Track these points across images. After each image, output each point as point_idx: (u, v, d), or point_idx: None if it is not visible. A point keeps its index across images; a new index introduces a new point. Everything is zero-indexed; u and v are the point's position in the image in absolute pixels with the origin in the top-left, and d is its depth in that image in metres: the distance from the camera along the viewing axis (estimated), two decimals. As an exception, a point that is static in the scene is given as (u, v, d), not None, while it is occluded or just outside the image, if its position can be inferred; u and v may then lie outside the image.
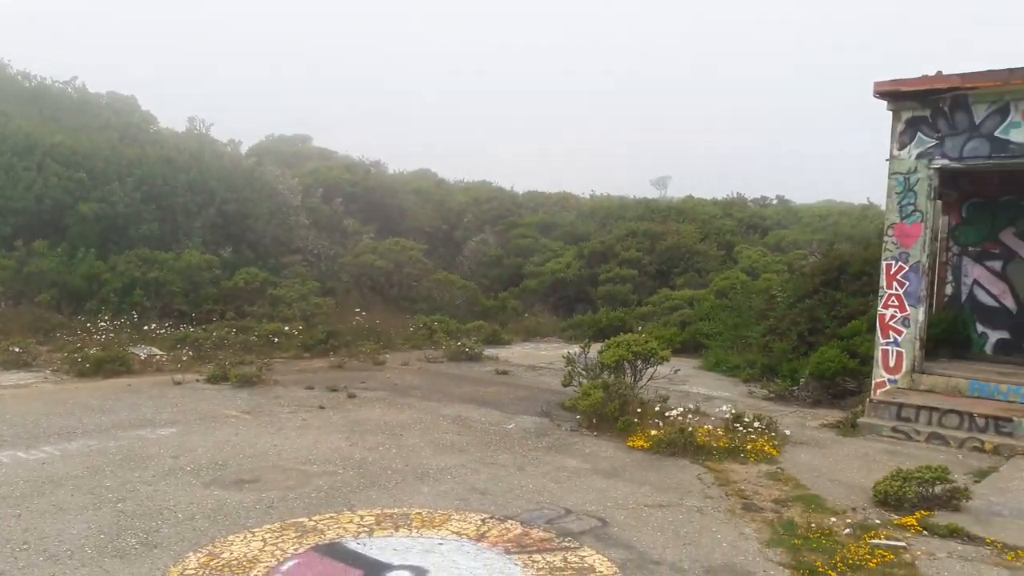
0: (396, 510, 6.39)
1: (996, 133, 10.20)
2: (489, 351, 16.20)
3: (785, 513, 6.61)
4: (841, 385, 12.12)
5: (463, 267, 24.17)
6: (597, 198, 37.00)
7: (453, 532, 5.92)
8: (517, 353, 16.74)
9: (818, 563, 5.45)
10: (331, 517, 6.19)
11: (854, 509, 6.75)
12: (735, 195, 36.82)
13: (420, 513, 6.32)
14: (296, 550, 5.52)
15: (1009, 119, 10.10)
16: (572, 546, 5.69)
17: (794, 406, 11.76)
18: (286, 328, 15.63)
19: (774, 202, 36.16)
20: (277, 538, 5.74)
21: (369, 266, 20.11)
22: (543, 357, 15.89)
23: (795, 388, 12.34)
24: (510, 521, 6.18)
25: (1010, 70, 9.86)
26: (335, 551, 5.53)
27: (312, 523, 6.06)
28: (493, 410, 10.59)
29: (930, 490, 6.78)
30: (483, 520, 6.19)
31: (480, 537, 5.82)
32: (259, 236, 20.09)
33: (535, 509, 6.49)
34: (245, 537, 5.75)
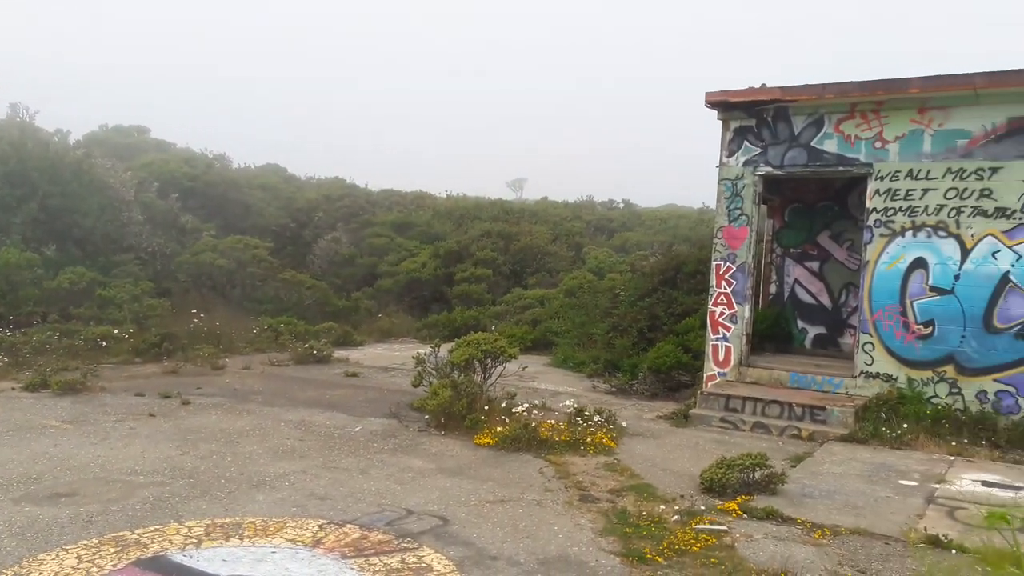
0: (228, 520, 6.12)
1: (812, 143, 11.10)
2: (340, 353, 15.86)
3: (619, 503, 6.88)
4: (676, 378, 12.79)
5: (313, 266, 23.52)
6: (453, 198, 37.10)
7: (288, 540, 5.74)
8: (369, 355, 16.49)
9: (646, 550, 5.71)
10: (156, 530, 5.84)
11: (683, 496, 7.14)
12: (585, 198, 38.08)
13: (253, 522, 6.08)
14: (115, 566, 5.17)
15: (824, 131, 11.02)
16: (411, 546, 5.66)
17: (634, 399, 12.28)
18: (115, 331, 14.62)
19: (621, 205, 37.66)
20: (94, 554, 5.35)
21: (209, 265, 19.16)
22: (396, 358, 15.74)
23: (635, 382, 12.89)
24: (349, 525, 6.07)
25: (824, 85, 10.76)
26: (158, 565, 5.22)
27: (135, 536, 5.69)
28: (339, 413, 10.37)
29: (751, 476, 7.26)
30: (320, 526, 6.04)
31: (316, 543, 5.67)
32: (87, 233, 18.67)
33: (376, 512, 6.41)
34: (58, 555, 5.33)
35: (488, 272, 23.14)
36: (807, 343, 14.43)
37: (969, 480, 8.02)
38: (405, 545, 5.69)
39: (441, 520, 6.24)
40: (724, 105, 11.51)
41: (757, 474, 7.25)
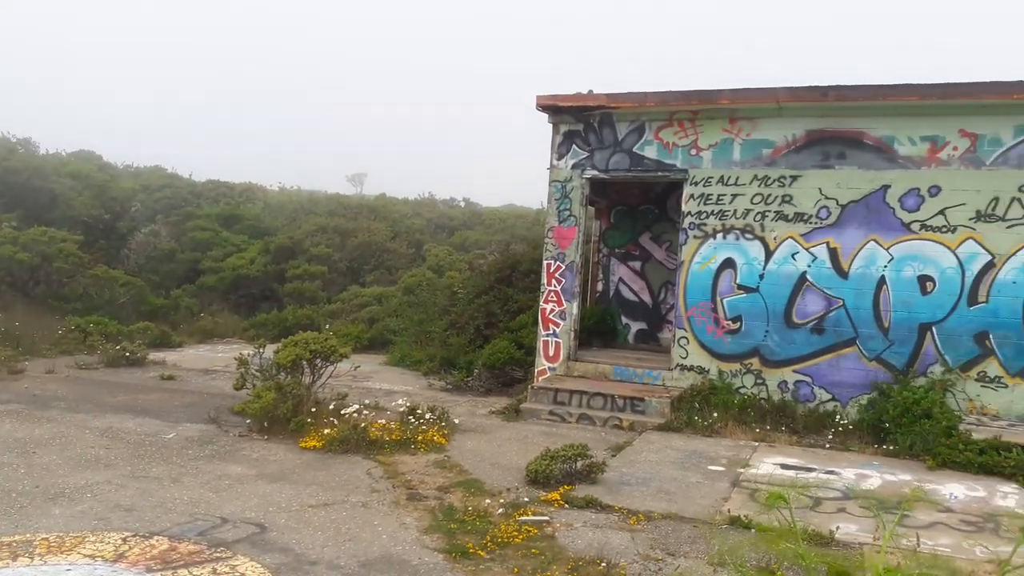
0: (17, 537, 5.59)
1: (634, 149, 11.68)
2: (156, 355, 14.89)
3: (447, 499, 6.93)
4: (510, 374, 13.06)
5: (129, 262, 21.90)
6: (287, 191, 35.89)
7: (86, 556, 5.32)
8: (189, 356, 15.60)
9: (470, 544, 5.78)
10: (-74, 556, 5.23)
11: (509, 490, 7.29)
12: (426, 195, 38.00)
13: (47, 538, 5.59)
14: None
15: (644, 137, 11.62)
16: (224, 556, 5.41)
17: (469, 396, 12.42)
18: None
19: (462, 204, 37.89)
20: None
21: (8, 259, 17.38)
22: (219, 360, 14.99)
23: (470, 379, 13.03)
24: (157, 537, 5.71)
25: (644, 93, 11.35)
26: (-74, 596, 4.69)
27: (-102, 566, 5.07)
28: (152, 419, 9.74)
29: (573, 466, 7.54)
30: (124, 539, 5.64)
31: (119, 557, 5.30)
32: None
33: (187, 522, 6.08)
34: None
35: (323, 269, 22.55)
36: (630, 338, 15.18)
37: (770, 464, 8.72)
38: (218, 555, 5.43)
39: (258, 527, 6.01)
40: (554, 109, 11.88)
41: (579, 464, 7.54)
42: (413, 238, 27.10)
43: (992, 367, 10.01)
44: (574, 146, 11.96)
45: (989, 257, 10.01)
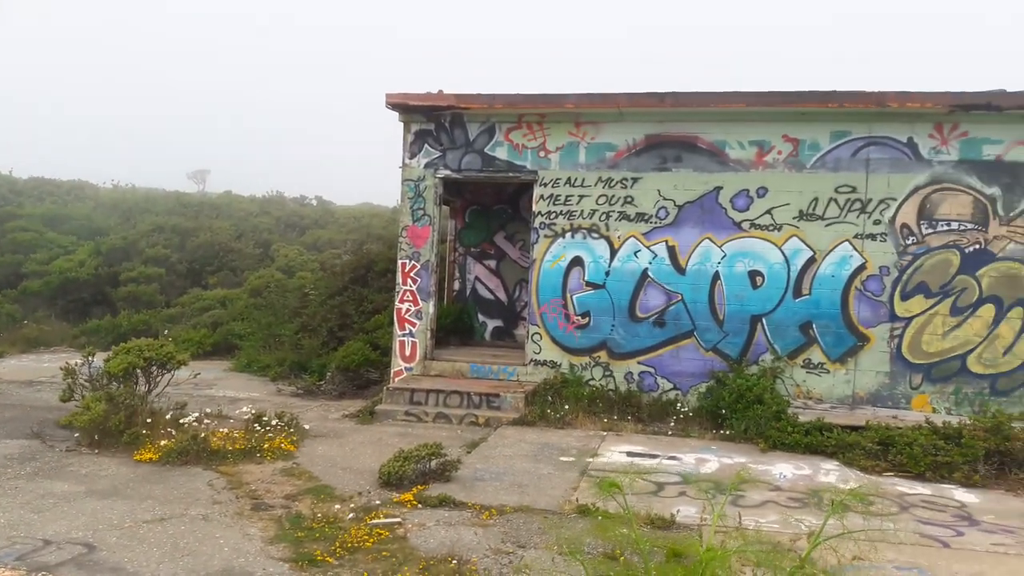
0: None
1: (486, 150, 11.83)
2: (-30, 367, 13.59)
3: (295, 507, 6.75)
4: (365, 376, 12.89)
5: (-63, 267, 19.87)
6: (120, 189, 33.66)
7: None
8: (11, 368, 14.34)
9: (318, 552, 5.66)
10: None
11: (360, 494, 7.20)
12: (275, 193, 36.75)
13: None
14: None
15: (495, 138, 11.80)
16: (46, 582, 5.03)
17: (321, 400, 12.14)
18: None
19: (313, 202, 36.94)
20: None
21: None
22: (45, 370, 13.86)
23: (323, 383, 12.74)
24: (-34, 567, 5.22)
25: (493, 95, 11.51)
26: None
27: None
28: (-36, 437, 8.88)
29: (427, 466, 7.55)
30: (-74, 573, 5.12)
31: (-81, 594, 4.81)
32: None
33: (4, 546, 5.59)
34: None
35: (161, 271, 21.32)
36: (487, 335, 15.37)
37: (617, 452, 9.09)
38: (39, 581, 5.04)
39: (86, 547, 5.62)
40: (405, 108, 11.83)
41: (433, 463, 7.56)
42: (260, 238, 26.16)
43: (816, 354, 10.90)
44: (426, 145, 11.96)
45: (811, 253, 10.90)
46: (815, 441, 9.28)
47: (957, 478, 8.18)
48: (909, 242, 10.70)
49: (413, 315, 12.03)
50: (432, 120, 11.91)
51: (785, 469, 8.56)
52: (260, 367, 14.65)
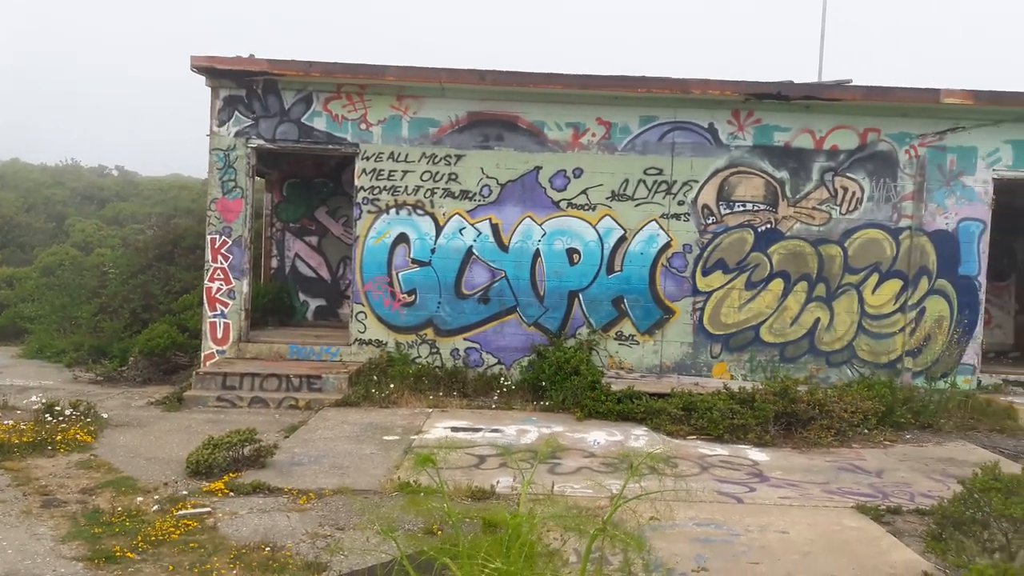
0: None
1: (303, 120, 11.43)
2: None
3: (92, 502, 6.28)
4: (173, 360, 12.15)
5: None
6: None
7: None
8: None
9: (117, 548, 5.31)
10: None
11: (166, 484, 6.81)
12: (70, 162, 33.62)
13: None
14: None
15: (313, 108, 11.42)
16: None
17: (123, 387, 11.33)
18: None
19: (115, 172, 34.15)
20: None
21: None
22: None
23: (125, 368, 11.89)
24: None
25: (310, 63, 11.12)
26: None
27: None
28: None
29: (240, 452, 7.26)
30: None
31: None
32: None
33: None
34: None
35: (-68, 248, 18.96)
36: (309, 315, 14.96)
37: (442, 427, 9.19)
38: None
39: None
40: (212, 72, 11.16)
41: (246, 450, 7.28)
42: (53, 211, 23.87)
43: (627, 327, 11.53)
44: (237, 113, 11.37)
45: (622, 232, 11.47)
46: (626, 408, 9.85)
47: (751, 439, 8.98)
48: (709, 222, 11.53)
49: (225, 294, 11.46)
50: (243, 86, 11.33)
51: (599, 436, 9.02)
52: (54, 353, 13.43)
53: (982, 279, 11.50)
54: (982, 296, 11.54)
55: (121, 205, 25.64)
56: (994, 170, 11.44)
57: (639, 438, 9.04)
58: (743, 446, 8.85)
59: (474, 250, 11.52)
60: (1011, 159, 11.43)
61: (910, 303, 11.44)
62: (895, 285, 11.48)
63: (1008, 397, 11.01)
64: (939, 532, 5.15)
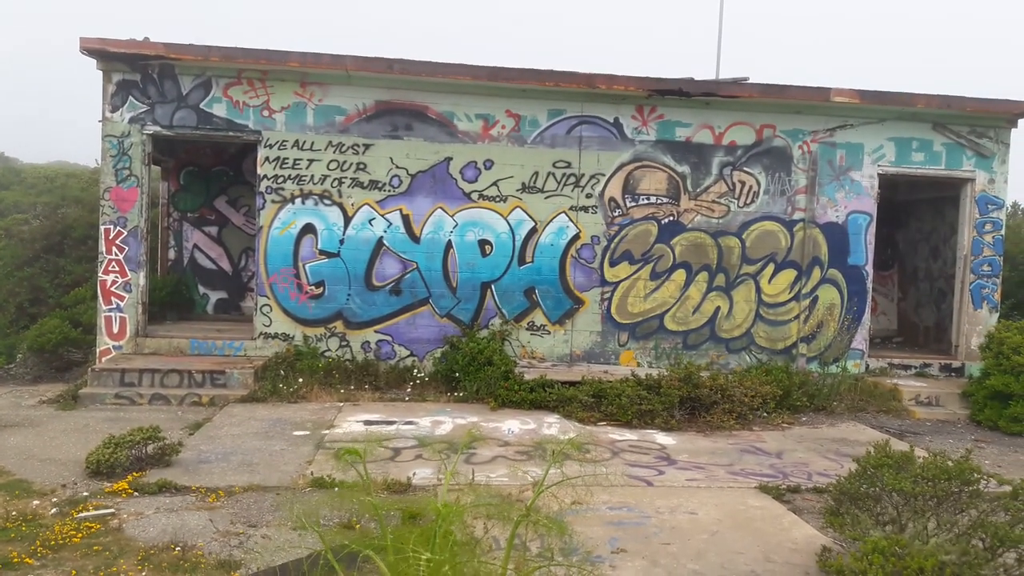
0: None
1: (202, 106, 11.00)
2: None
3: (-19, 509, 5.91)
4: (66, 357, 11.55)
5: None
6: None
7: None
8: None
9: (14, 554, 5.02)
10: None
11: (64, 486, 6.48)
12: (-61, 147, 31.17)
13: None
14: None
15: (212, 94, 11.00)
16: None
17: (11, 385, 10.72)
18: None
19: (-8, 159, 31.92)
20: None
21: None
22: None
23: (12, 366, 11.24)
24: None
25: (209, 47, 10.71)
26: None
27: None
28: None
29: (143, 451, 6.97)
30: None
31: None
32: None
33: None
34: None
35: None
36: (210, 308, 14.46)
37: (354, 421, 9.07)
38: None
39: None
40: (103, 55, 10.59)
41: (150, 448, 7.00)
42: (-76, 200, 22.10)
43: (538, 317, 11.66)
44: (131, 98, 10.83)
45: (533, 223, 11.58)
46: (539, 397, 9.98)
47: (658, 423, 9.27)
48: (616, 214, 11.78)
49: (121, 287, 10.94)
50: (138, 70, 10.80)
51: (513, 425, 9.11)
52: (-70, 352, 12.51)
53: (869, 268, 12.20)
54: (869, 285, 12.25)
55: (2, 194, 24.00)
56: (879, 165, 12.14)
57: (552, 426, 9.17)
58: (651, 431, 9.12)
59: (384, 241, 11.39)
60: (894, 155, 12.16)
61: (804, 292, 12.03)
62: (790, 275, 12.05)
63: (893, 380, 11.75)
64: (836, 508, 5.45)
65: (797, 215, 12.04)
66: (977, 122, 12.18)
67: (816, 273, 12.05)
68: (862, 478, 5.38)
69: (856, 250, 12.14)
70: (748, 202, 11.96)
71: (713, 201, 11.92)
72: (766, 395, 9.98)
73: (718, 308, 11.96)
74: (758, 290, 12.00)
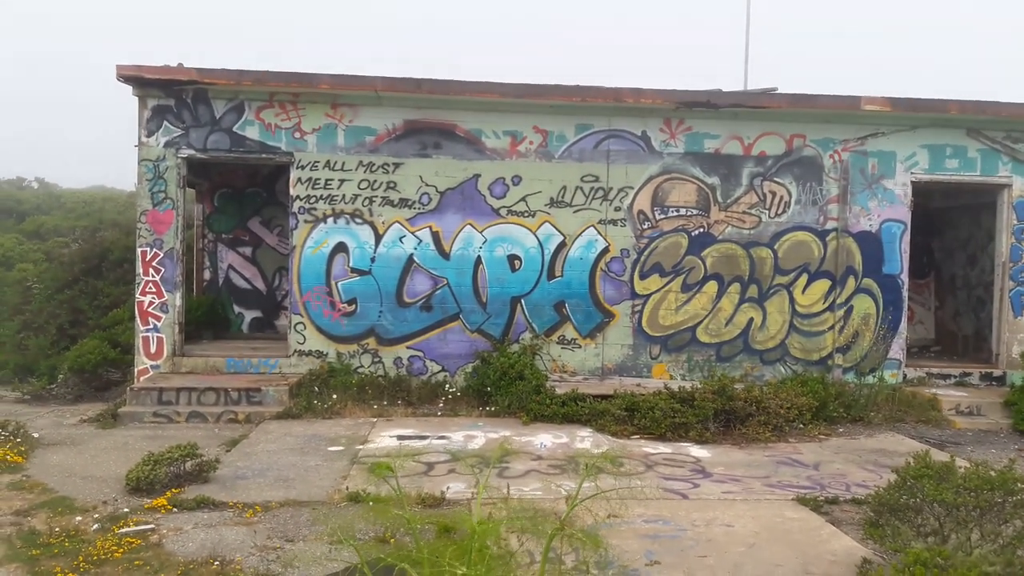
0: None
1: (235, 129, 11.22)
2: None
3: (27, 523, 6.04)
4: (105, 377, 11.78)
5: None
6: None
7: None
8: None
9: (58, 569, 5.12)
10: None
11: (105, 503, 6.59)
12: (-18, 175, 32.16)
13: None
14: None
15: (245, 117, 11.22)
16: None
17: (53, 405, 10.93)
18: None
19: (34, 185, 32.82)
20: None
21: None
22: None
23: (54, 386, 11.47)
24: None
25: (241, 71, 10.93)
26: None
27: None
28: None
29: (181, 468, 7.08)
30: None
31: None
32: None
33: None
34: None
35: None
36: (245, 327, 14.67)
37: (388, 436, 9.12)
38: None
39: None
40: (139, 81, 10.87)
41: (188, 465, 7.11)
42: (-31, 226, 22.77)
43: (569, 331, 11.65)
44: (166, 122, 11.08)
45: (561, 237, 11.60)
46: (571, 411, 9.95)
47: (692, 436, 9.19)
48: (645, 227, 11.76)
49: (158, 308, 11.14)
50: (172, 95, 11.05)
51: (545, 439, 9.10)
52: (-26, 374, 12.83)
53: (904, 277, 12.02)
54: (905, 293, 12.06)
55: (43, 218, 24.62)
56: (912, 173, 11.98)
57: (584, 439, 9.14)
58: (685, 444, 9.04)
59: (415, 258, 11.48)
60: (927, 163, 12.00)
61: (838, 302, 11.88)
62: (824, 285, 11.91)
63: (932, 389, 11.54)
64: (876, 519, 5.36)
65: (830, 224, 11.91)
66: (1013, 127, 11.98)
67: (851, 283, 11.89)
68: (902, 489, 5.29)
69: (891, 259, 11.97)
70: (779, 212, 11.87)
71: (744, 212, 11.84)
72: (802, 406, 9.85)
73: (751, 319, 11.86)
74: (792, 301, 11.88)
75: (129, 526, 5.98)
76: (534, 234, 11.58)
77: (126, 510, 6.38)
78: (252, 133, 11.22)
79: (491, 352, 11.33)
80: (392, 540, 5.51)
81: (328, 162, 11.30)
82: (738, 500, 6.98)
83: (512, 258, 11.58)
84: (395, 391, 11.04)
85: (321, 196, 11.31)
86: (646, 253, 11.73)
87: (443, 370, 11.49)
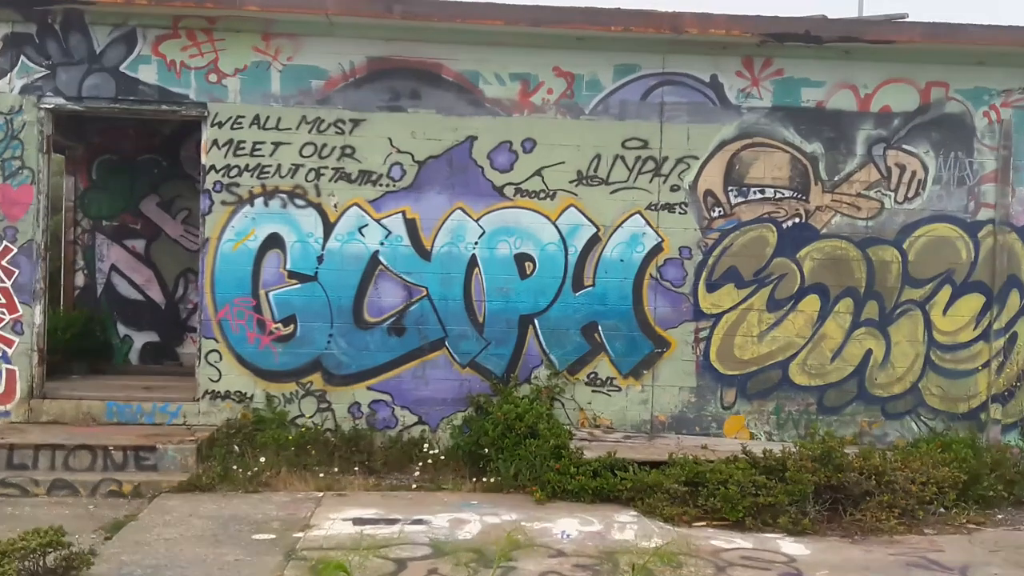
0: None
1: (123, 68, 11.23)
2: None
3: None
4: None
5: None
6: None
7: None
8: None
9: None
10: None
11: (-72, 617, 6.54)
12: None
13: None
14: None
15: (138, 51, 11.24)
16: None
17: None
18: None
19: None
20: None
21: None
22: None
23: None
24: None
25: (132, -14, 10.94)
26: None
27: None
28: None
29: (39, 564, 7.02)
30: None
31: None
32: None
33: None
34: None
35: None
36: (133, 357, 14.73)
37: (340, 520, 9.08)
38: None
39: None
40: (-16, -2, 10.89)
41: (49, 559, 7.06)
42: None
43: (603, 366, 11.64)
44: (23, 58, 11.09)
45: (594, 229, 11.61)
46: (606, 485, 9.88)
47: (783, 524, 9.10)
48: (715, 215, 11.75)
49: (8, 328, 11.13)
50: (32, 19, 11.05)
51: (569, 526, 9.01)
52: None
53: (1094, 293, 11.99)
54: (1094, 316, 12.03)
55: None
56: (1107, 140, 11.96)
57: (626, 527, 9.07)
58: (772, 535, 8.98)
59: (381, 257, 11.50)
60: None
61: (996, 327, 11.86)
62: (975, 302, 11.89)
63: None
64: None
65: (983, 214, 11.91)
66: None
67: (1014, 299, 11.89)
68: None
69: (1073, 265, 11.94)
70: (911, 195, 11.88)
71: (859, 194, 11.84)
72: (943, 481, 9.78)
73: (869, 352, 11.85)
74: (928, 325, 11.87)
75: (-38, 652, 5.92)
76: (554, 224, 11.58)
77: (-42, 628, 6.33)
78: (148, 75, 11.22)
79: (490, 396, 11.34)
80: (347, 678, 5.44)
81: (257, 117, 11.31)
82: (853, 620, 6.91)
83: (522, 259, 11.59)
84: (350, 452, 11.01)
85: (247, 166, 11.32)
86: (717, 253, 11.74)
87: (420, 421, 11.50)
